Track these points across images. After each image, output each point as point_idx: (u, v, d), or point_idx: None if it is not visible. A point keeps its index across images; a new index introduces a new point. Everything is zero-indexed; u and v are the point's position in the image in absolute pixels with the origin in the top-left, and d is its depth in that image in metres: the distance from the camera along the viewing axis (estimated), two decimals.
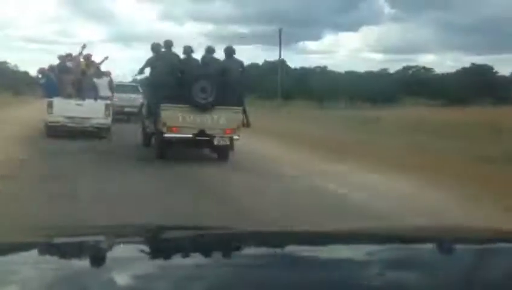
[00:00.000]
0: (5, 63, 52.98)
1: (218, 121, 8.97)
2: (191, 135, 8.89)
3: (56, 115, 12.46)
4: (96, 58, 13.96)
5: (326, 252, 1.36)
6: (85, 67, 13.17)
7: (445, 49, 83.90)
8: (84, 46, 13.58)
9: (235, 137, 9.14)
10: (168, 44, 9.75)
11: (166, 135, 8.87)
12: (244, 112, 9.27)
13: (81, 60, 13.39)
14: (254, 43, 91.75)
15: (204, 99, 8.79)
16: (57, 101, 12.54)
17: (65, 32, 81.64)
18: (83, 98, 12.78)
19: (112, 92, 13.85)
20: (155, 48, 9.72)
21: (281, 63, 37.53)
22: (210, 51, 9.78)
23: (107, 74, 13.98)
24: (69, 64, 13.10)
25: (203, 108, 8.84)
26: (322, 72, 45.01)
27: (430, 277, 1.10)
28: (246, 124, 9.27)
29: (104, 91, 13.30)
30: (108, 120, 12.97)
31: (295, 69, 45.11)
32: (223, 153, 9.27)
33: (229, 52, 9.63)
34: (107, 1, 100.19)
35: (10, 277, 1.07)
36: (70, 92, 12.76)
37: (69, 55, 13.42)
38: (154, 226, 1.76)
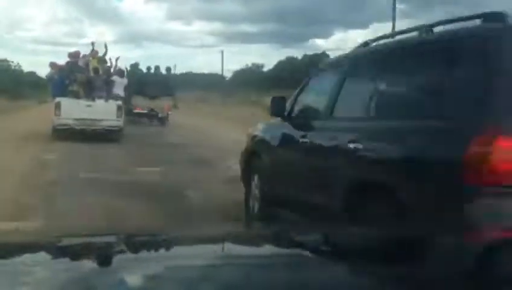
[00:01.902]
0: (5, 61, 45.01)
1: (161, 103, 16.82)
2: (146, 111, 16.74)
3: (64, 117, 11.92)
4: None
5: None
6: (97, 65, 12.48)
7: None
8: (93, 44, 12.92)
9: (169, 112, 16.99)
10: (137, 65, 18.67)
11: (134, 111, 16.31)
12: (174, 99, 17.63)
13: (91, 58, 12.69)
14: (262, 42, 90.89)
15: (153, 93, 16.68)
16: (65, 102, 11.98)
17: (75, 33, 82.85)
18: (93, 99, 12.12)
19: (125, 92, 13.12)
20: (132, 66, 18.05)
21: (325, 55, 35.78)
22: (157, 68, 17.76)
23: (121, 72, 13.28)
24: (79, 62, 12.44)
25: (153, 97, 16.71)
26: None
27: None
28: (175, 106, 17.54)
29: (118, 91, 12.59)
30: (121, 122, 12.34)
31: None
32: (163, 121, 16.68)
33: (168, 69, 18.17)
34: (116, 2, 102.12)
35: (21, 278, 1.10)
36: (79, 92, 12.11)
37: (77, 53, 12.73)
38: (167, 233, 1.82)
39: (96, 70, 12.43)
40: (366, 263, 1.22)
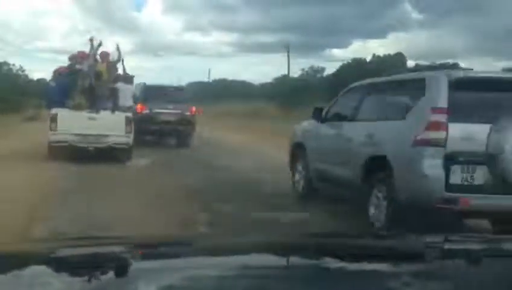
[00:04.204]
0: (5, 64, 36.54)
1: None
2: None
3: (61, 132, 10.09)
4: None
5: (332, 263, 1.39)
6: (102, 69, 10.42)
7: (474, 55, 73.89)
8: (100, 44, 10.71)
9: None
10: None
11: None
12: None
13: (99, 59, 10.61)
14: (280, 52, 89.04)
15: None
16: (63, 115, 10.16)
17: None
18: (97, 110, 10.10)
19: (134, 102, 10.98)
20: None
21: (400, 56, 32.04)
22: None
23: (130, 78, 11.14)
24: (79, 66, 10.42)
25: None
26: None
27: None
28: None
29: (126, 100, 10.48)
30: (130, 138, 10.34)
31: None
32: None
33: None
34: (134, 13, 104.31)
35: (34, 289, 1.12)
36: (80, 101, 10.12)
37: (81, 53, 10.69)
38: (172, 237, 2.08)
39: (99, 75, 10.34)
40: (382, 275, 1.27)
